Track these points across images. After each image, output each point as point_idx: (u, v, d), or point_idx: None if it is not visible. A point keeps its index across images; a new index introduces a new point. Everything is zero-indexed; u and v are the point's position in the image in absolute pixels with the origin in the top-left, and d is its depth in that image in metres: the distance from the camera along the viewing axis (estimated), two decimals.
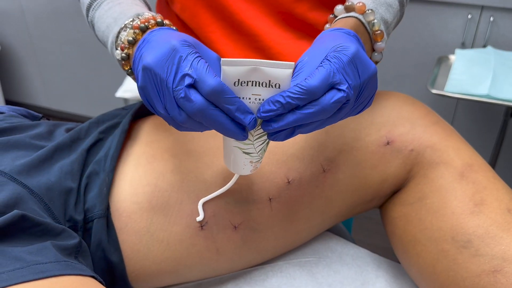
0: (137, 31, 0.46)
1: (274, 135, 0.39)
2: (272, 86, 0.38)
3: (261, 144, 0.43)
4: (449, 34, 1.52)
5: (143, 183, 0.50)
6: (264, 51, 0.62)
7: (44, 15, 2.34)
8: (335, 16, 0.50)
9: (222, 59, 0.37)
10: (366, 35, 0.48)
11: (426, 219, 0.51)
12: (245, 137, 0.39)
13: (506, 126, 1.49)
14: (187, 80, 0.36)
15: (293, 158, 0.53)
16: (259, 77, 0.37)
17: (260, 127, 0.40)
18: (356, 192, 0.55)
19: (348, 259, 0.60)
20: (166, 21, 0.48)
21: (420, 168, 0.54)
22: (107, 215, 0.49)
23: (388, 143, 0.54)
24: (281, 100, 0.37)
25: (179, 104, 0.37)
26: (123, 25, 0.48)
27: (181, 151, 0.53)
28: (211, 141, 0.53)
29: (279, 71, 0.37)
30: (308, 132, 0.40)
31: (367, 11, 0.48)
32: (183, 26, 0.66)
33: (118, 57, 0.48)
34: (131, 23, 0.47)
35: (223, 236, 0.51)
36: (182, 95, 0.36)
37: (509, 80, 1.30)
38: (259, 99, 0.38)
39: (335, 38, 0.41)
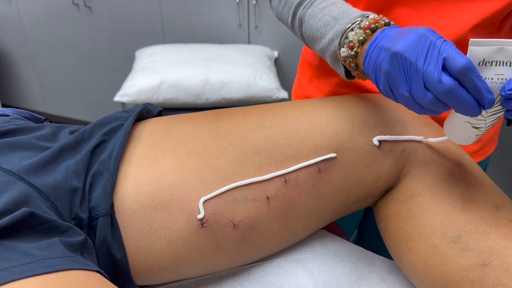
0: (368, 31, 0.50)
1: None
2: None
3: (493, 120, 0.45)
4: None
5: (145, 182, 0.52)
6: None
7: (42, 21, 2.35)
8: None
9: (471, 39, 0.40)
10: None
11: (417, 216, 0.53)
12: (479, 113, 0.42)
13: None
14: (440, 60, 0.39)
15: (289, 158, 0.55)
16: (504, 56, 0.40)
17: (497, 104, 0.42)
18: (351, 191, 0.57)
19: (343, 255, 0.62)
20: (392, 22, 0.51)
21: (412, 167, 0.56)
22: (111, 213, 0.50)
23: (381, 144, 0.56)
24: None
25: (427, 85, 0.40)
26: (349, 25, 0.52)
27: (182, 152, 0.55)
28: (211, 142, 0.55)
29: None
30: None
31: None
32: None
33: (344, 54, 0.52)
34: (359, 23, 0.51)
35: (223, 234, 0.53)
36: (435, 76, 0.39)
37: None
38: (502, 79, 0.41)
39: None
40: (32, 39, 2.42)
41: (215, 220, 0.52)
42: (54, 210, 0.48)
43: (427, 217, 0.53)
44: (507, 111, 0.42)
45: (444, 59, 0.40)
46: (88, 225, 0.50)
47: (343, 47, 0.52)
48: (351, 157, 0.56)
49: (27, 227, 0.43)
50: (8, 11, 2.37)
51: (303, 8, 0.59)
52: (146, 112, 0.64)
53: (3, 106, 2.67)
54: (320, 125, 0.56)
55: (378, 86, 0.48)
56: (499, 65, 0.40)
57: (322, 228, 0.66)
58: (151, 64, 1.81)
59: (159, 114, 0.68)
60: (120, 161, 0.54)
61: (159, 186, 0.52)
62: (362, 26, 0.50)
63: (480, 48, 0.40)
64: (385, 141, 0.56)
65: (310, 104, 0.60)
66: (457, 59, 0.39)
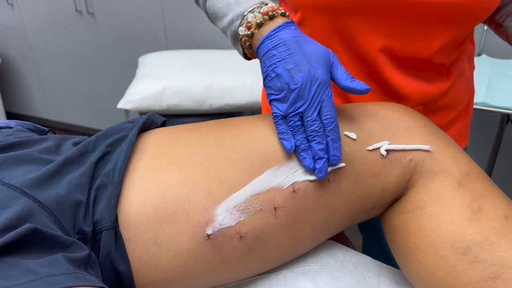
0: (265, 17, 0.56)
1: None
2: None
3: None
4: None
5: (150, 194, 0.52)
6: (383, 82, 0.70)
7: (45, 28, 2.36)
8: None
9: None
10: None
11: (425, 227, 0.53)
12: None
13: (502, 133, 1.51)
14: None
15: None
16: None
17: None
18: (359, 201, 0.57)
19: (350, 266, 0.61)
20: (287, 13, 0.57)
21: (419, 177, 0.55)
22: (115, 227, 0.50)
23: (388, 153, 0.55)
24: None
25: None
26: (251, 9, 0.58)
27: (187, 163, 0.54)
28: (217, 152, 0.55)
29: None
30: None
31: None
32: None
33: (242, 33, 0.58)
34: (258, 8, 0.57)
35: (229, 246, 0.52)
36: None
37: (504, 88, 1.32)
38: None
39: None
40: (35, 46, 2.43)
41: (221, 231, 0.52)
42: (58, 224, 0.47)
43: (436, 227, 0.52)
44: None
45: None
46: (92, 239, 0.49)
47: (242, 26, 0.58)
48: (359, 167, 0.55)
49: (31, 243, 0.42)
50: (12, 18, 2.39)
51: None
52: (150, 122, 0.64)
53: (7, 113, 2.68)
54: None
55: (264, 81, 0.56)
56: None
57: (329, 238, 0.65)
58: (154, 70, 1.81)
59: (163, 124, 0.68)
60: (124, 173, 0.53)
61: (164, 198, 0.52)
62: (261, 11, 0.57)
63: None
64: (392, 150, 0.56)
65: None
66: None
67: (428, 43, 0.66)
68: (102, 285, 0.43)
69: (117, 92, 2.27)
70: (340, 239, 0.69)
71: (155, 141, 0.58)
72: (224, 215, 0.51)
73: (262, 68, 0.56)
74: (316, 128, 0.53)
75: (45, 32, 2.36)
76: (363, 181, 0.56)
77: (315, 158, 0.53)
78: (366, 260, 0.63)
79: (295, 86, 0.52)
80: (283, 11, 0.57)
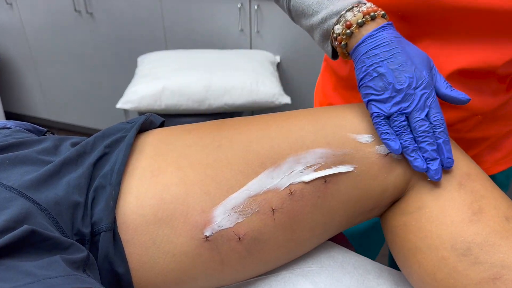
0: (367, 16, 0.55)
1: None
2: None
3: None
4: None
5: (148, 196, 0.51)
6: None
7: (44, 27, 2.35)
8: None
9: None
10: None
11: (425, 228, 0.52)
12: None
13: None
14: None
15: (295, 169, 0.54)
16: None
17: None
18: (358, 202, 0.56)
19: (350, 267, 0.60)
20: (386, 15, 0.56)
21: (420, 178, 0.55)
22: (113, 228, 0.49)
23: (388, 154, 0.55)
24: None
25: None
26: (348, 7, 0.56)
27: (185, 164, 0.54)
28: (215, 153, 0.55)
29: None
30: None
31: None
32: None
33: (339, 31, 0.56)
34: (357, 8, 0.56)
35: (228, 247, 0.52)
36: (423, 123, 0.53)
37: None
38: None
39: None
40: (35, 46, 2.42)
41: (219, 233, 0.51)
42: (56, 226, 0.47)
43: (436, 228, 0.51)
44: None
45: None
46: (90, 241, 0.49)
47: (338, 24, 0.56)
48: (358, 167, 0.55)
49: (28, 245, 0.42)
50: (11, 18, 2.38)
51: None
52: (148, 123, 0.63)
53: (6, 113, 2.68)
54: (326, 136, 0.55)
55: (357, 77, 0.55)
56: None
57: (328, 239, 0.65)
58: (153, 70, 1.81)
59: (162, 124, 0.67)
60: (122, 175, 0.53)
61: (162, 199, 0.51)
62: (361, 10, 0.55)
63: None
64: None
65: (316, 113, 0.59)
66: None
67: (499, 54, 0.62)
68: (101, 287, 0.42)
69: (116, 92, 2.26)
70: (340, 240, 0.68)
71: (153, 142, 0.58)
72: (222, 217, 0.51)
73: (360, 67, 0.55)
74: (427, 129, 0.52)
75: (44, 32, 2.35)
76: (362, 182, 0.56)
77: (428, 159, 0.52)
78: (365, 262, 0.63)
79: (401, 86, 0.52)
80: (383, 12, 0.56)
